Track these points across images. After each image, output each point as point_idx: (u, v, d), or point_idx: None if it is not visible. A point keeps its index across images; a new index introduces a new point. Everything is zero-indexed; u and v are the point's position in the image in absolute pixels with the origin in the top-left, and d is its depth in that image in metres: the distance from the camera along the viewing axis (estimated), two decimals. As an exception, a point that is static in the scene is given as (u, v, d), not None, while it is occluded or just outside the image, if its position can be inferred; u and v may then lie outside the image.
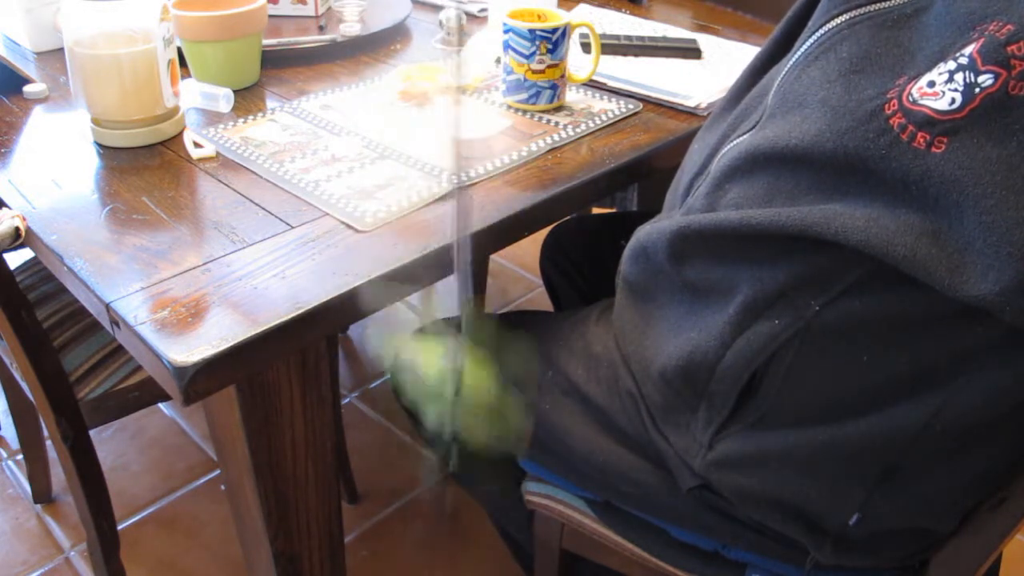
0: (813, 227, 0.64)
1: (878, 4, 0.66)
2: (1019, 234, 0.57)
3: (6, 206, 0.87)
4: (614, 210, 1.73)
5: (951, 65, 0.59)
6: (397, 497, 1.61)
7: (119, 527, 1.35)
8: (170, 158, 0.96)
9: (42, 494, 1.59)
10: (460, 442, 0.82)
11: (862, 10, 0.67)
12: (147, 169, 0.94)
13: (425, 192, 0.89)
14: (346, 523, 1.52)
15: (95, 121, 0.99)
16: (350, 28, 1.28)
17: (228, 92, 1.07)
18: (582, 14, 1.41)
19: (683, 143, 0.96)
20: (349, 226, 0.83)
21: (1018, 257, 0.57)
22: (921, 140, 0.59)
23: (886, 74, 0.64)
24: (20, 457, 1.62)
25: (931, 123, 0.59)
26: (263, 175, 0.92)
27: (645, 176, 1.02)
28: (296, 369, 0.79)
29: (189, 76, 1.12)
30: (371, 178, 0.91)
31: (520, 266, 2.28)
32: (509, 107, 1.08)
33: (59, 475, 1.59)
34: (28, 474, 1.58)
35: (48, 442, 1.53)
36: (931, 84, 0.60)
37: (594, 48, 1.08)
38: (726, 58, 1.23)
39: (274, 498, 0.84)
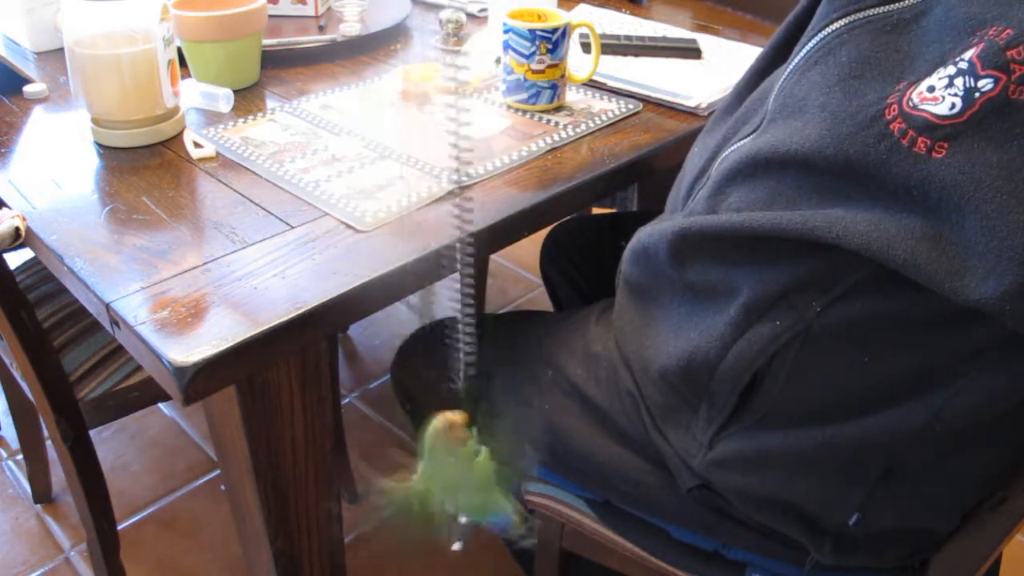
0: (815, 231, 0.64)
1: (877, 8, 0.67)
2: (1019, 239, 0.57)
3: (6, 206, 0.87)
4: (614, 210, 1.73)
5: (951, 70, 0.59)
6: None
7: (119, 527, 1.35)
8: (170, 158, 0.97)
9: (42, 494, 1.59)
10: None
11: (862, 14, 0.67)
12: (147, 169, 0.94)
13: (425, 192, 0.89)
14: (346, 523, 1.52)
15: (95, 121, 0.99)
16: (350, 28, 1.28)
17: (228, 92, 1.07)
18: (582, 14, 1.40)
19: (683, 143, 0.97)
20: (349, 226, 0.83)
21: (1019, 261, 0.57)
22: (922, 145, 0.60)
23: (886, 79, 0.64)
24: (20, 457, 1.62)
25: (931, 128, 0.59)
26: (263, 175, 0.92)
27: (645, 176, 1.02)
28: (296, 369, 0.79)
29: (189, 76, 1.12)
30: (371, 178, 0.91)
31: (520, 266, 2.28)
32: (509, 107, 1.08)
33: (59, 475, 1.59)
34: (28, 474, 1.58)
35: (48, 442, 1.53)
36: (931, 89, 0.60)
37: (594, 48, 1.08)
38: (726, 58, 1.23)
39: (274, 498, 0.84)
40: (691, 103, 1.08)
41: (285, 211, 0.86)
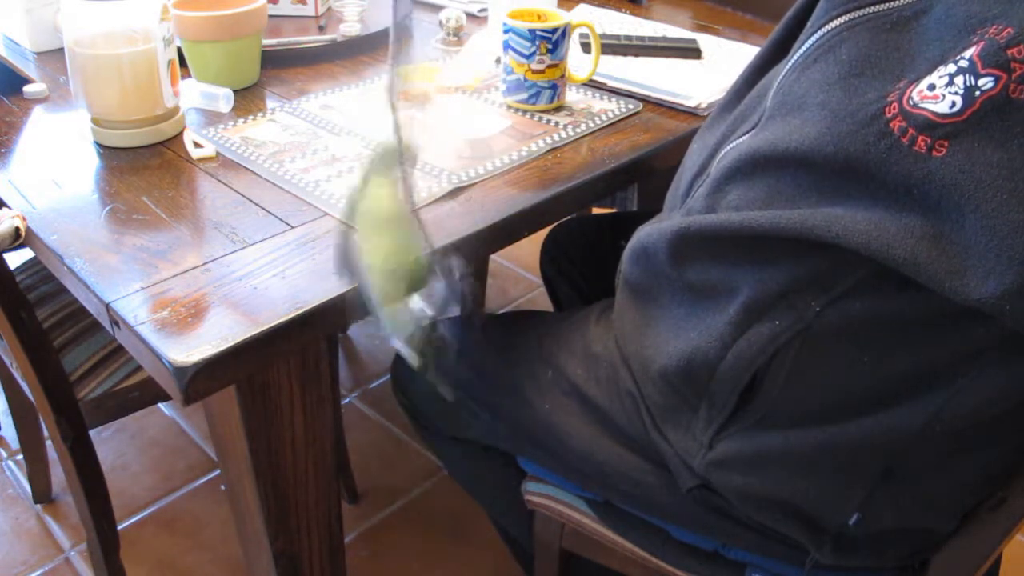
0: (814, 230, 0.64)
1: (877, 6, 0.66)
2: (1020, 238, 0.57)
3: (6, 206, 0.87)
4: (614, 210, 1.73)
5: (951, 68, 0.59)
6: (397, 497, 1.61)
7: (119, 527, 1.35)
8: (170, 158, 0.97)
9: (42, 494, 1.59)
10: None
11: (861, 12, 0.67)
12: (147, 169, 0.94)
13: (425, 192, 0.89)
14: (346, 523, 1.52)
15: (95, 121, 0.99)
16: (350, 28, 1.28)
17: (228, 92, 1.07)
18: (582, 14, 1.40)
19: (683, 143, 0.96)
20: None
21: (1019, 261, 0.57)
22: (922, 144, 0.59)
23: (886, 77, 0.64)
24: (20, 457, 1.62)
25: (932, 126, 0.59)
26: (263, 175, 0.92)
27: (645, 176, 1.02)
28: (296, 369, 0.79)
29: (189, 76, 1.12)
30: (371, 178, 0.91)
31: (520, 266, 2.28)
32: (509, 107, 1.08)
33: (59, 475, 1.59)
34: (28, 474, 1.58)
35: (48, 442, 1.53)
36: (931, 87, 0.60)
37: (594, 48, 1.08)
38: (726, 58, 1.23)
39: (274, 498, 0.84)
40: (691, 103, 1.08)
41: (285, 211, 0.86)
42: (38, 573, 1.48)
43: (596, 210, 1.78)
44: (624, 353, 0.87)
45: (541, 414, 0.93)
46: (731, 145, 0.76)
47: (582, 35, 1.25)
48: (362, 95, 1.12)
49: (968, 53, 0.59)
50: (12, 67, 1.18)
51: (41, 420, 1.36)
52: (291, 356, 0.78)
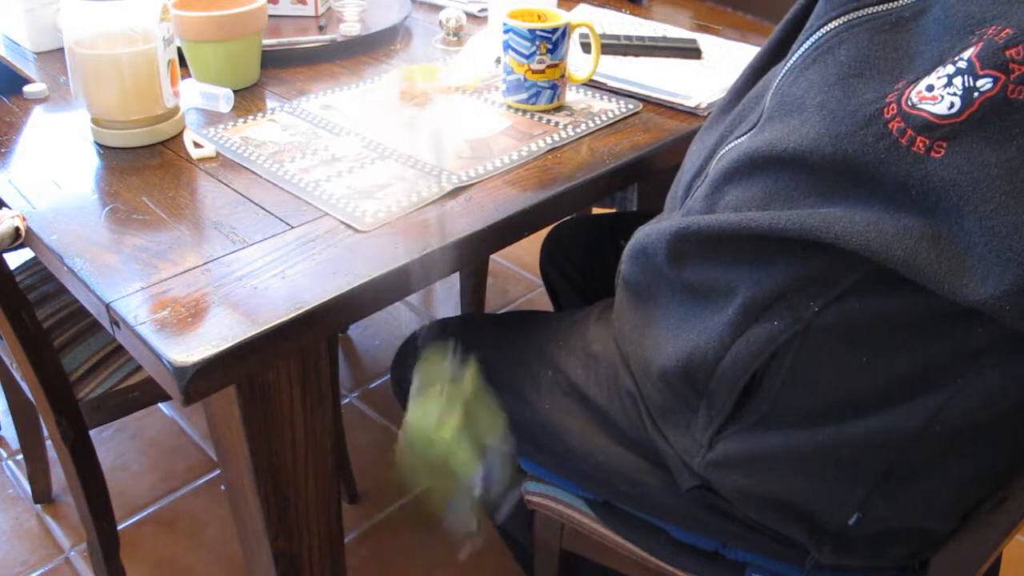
0: (812, 230, 0.64)
1: (876, 7, 0.67)
2: (1019, 238, 0.57)
3: (6, 206, 0.87)
4: (614, 210, 1.73)
5: (950, 69, 0.59)
6: (397, 497, 1.61)
7: (119, 527, 1.35)
8: (170, 158, 0.97)
9: (42, 494, 1.59)
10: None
11: (860, 13, 0.67)
12: (147, 169, 0.94)
13: (425, 192, 0.89)
14: (346, 523, 1.52)
15: (95, 121, 0.99)
16: (350, 28, 1.28)
17: (228, 92, 1.07)
18: (582, 14, 1.40)
19: (683, 143, 0.97)
20: (349, 226, 0.83)
21: (1018, 261, 0.57)
22: (920, 144, 0.60)
23: (885, 78, 0.64)
24: (20, 457, 1.62)
25: (930, 127, 0.59)
26: (263, 175, 0.92)
27: (645, 176, 1.02)
28: (296, 369, 0.79)
29: (189, 76, 1.12)
30: (371, 178, 0.91)
31: (520, 266, 2.28)
32: (509, 107, 1.08)
33: (59, 475, 1.59)
34: (28, 474, 1.58)
35: (48, 442, 1.53)
36: (930, 88, 0.60)
37: (594, 48, 1.08)
38: (726, 58, 1.23)
39: (274, 498, 0.84)
40: (691, 103, 1.08)
41: (285, 211, 0.86)
42: (38, 573, 1.48)
43: (596, 210, 1.78)
44: (624, 353, 0.87)
45: (541, 414, 0.93)
46: (729, 146, 0.76)
47: (582, 35, 1.25)
48: (362, 95, 1.12)
49: (967, 54, 0.59)
50: (12, 67, 1.18)
51: (41, 420, 1.36)
52: (291, 356, 0.78)
